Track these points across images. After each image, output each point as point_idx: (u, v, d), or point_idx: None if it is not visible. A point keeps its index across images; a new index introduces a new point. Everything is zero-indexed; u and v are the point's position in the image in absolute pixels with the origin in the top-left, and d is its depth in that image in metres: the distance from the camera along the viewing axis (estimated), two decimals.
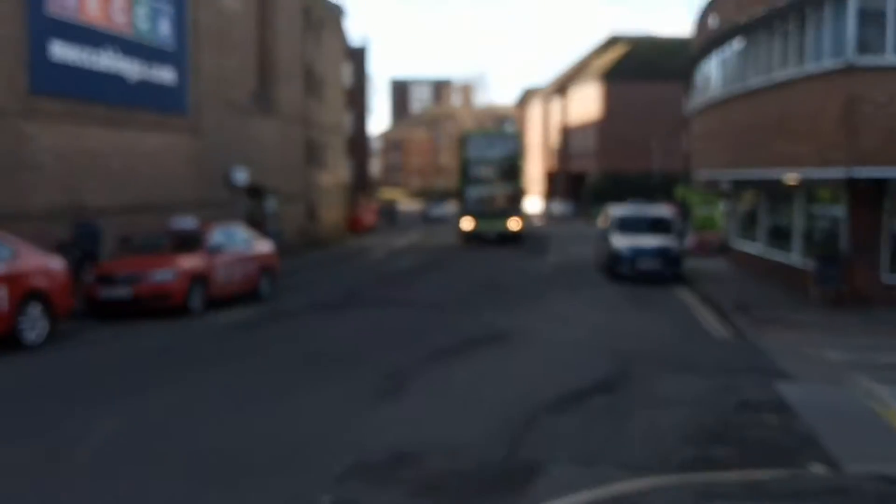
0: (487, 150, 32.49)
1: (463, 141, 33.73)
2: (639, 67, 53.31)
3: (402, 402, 8.43)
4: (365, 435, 7.16)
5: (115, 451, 6.72)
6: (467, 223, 31.82)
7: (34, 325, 11.16)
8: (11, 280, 10.85)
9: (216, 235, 15.80)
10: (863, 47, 14.45)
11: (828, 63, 15.08)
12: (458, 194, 33.77)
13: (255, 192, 26.14)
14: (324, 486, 5.88)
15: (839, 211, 16.06)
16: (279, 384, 9.18)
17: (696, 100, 24.91)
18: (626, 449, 6.89)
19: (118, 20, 18.96)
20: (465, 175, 32.37)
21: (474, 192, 31.87)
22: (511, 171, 32.31)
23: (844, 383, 9.48)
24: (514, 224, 31.73)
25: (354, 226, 41.17)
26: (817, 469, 6.43)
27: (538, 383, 9.24)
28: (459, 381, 9.41)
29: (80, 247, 15.19)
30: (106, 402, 8.36)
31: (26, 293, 11.03)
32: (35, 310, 11.19)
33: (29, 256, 11.42)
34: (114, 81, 18.81)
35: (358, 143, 54.55)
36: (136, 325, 13.18)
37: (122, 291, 13.67)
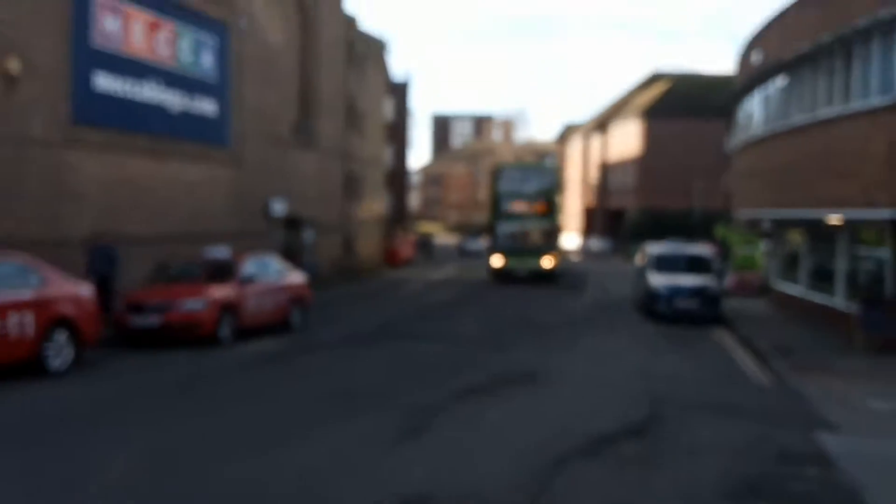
0: (521, 183, 31.00)
1: (496, 174, 32.10)
2: (680, 104, 52.97)
3: (425, 443, 8.19)
4: (382, 479, 6.92)
5: (126, 489, 6.56)
6: (497, 260, 30.33)
7: (59, 352, 11.15)
8: (38, 306, 10.88)
9: (248, 266, 15.81)
10: None
11: (875, 100, 14.69)
12: (490, 229, 32.14)
13: (292, 223, 26.27)
14: None
15: (885, 253, 15.54)
16: (301, 421, 9.00)
17: (738, 137, 24.53)
18: (657, 500, 6.57)
19: (162, 52, 19.30)
20: (497, 209, 30.86)
21: (506, 228, 30.43)
22: (546, 206, 30.84)
23: (890, 435, 9.02)
24: (547, 262, 30.13)
25: (391, 258, 41.16)
26: None
27: (568, 426, 8.94)
28: (487, 422, 9.14)
29: (96, 271, 15.19)
30: (123, 435, 8.25)
31: (53, 320, 11.06)
32: (61, 336, 11.19)
33: (58, 283, 11.46)
34: (156, 112, 19.10)
35: (397, 176, 54.91)
36: (163, 355, 13.14)
37: (151, 320, 13.67)
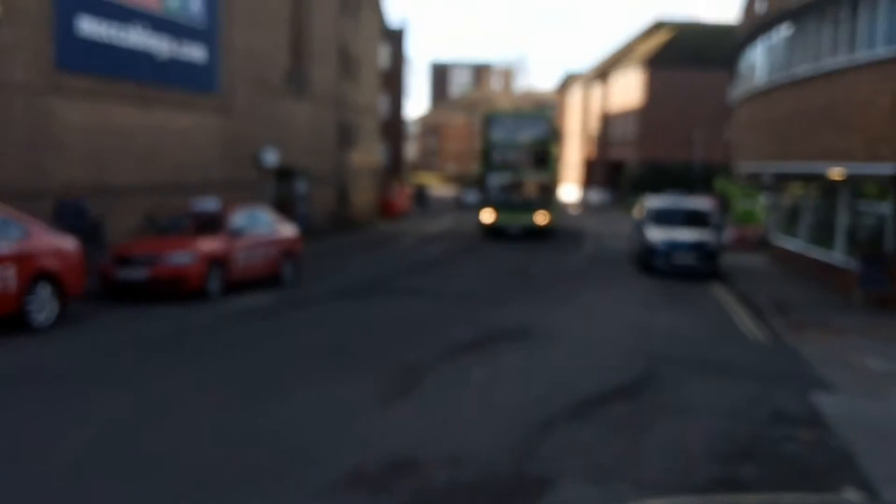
0: (514, 132, 29.33)
1: (486, 122, 30.13)
2: (683, 54, 52.08)
3: (411, 403, 8.01)
4: (365, 440, 6.74)
5: (97, 451, 6.36)
6: (488, 215, 28.66)
7: (43, 306, 10.89)
8: (20, 260, 10.57)
9: (238, 218, 15.50)
10: None
11: (881, 51, 14.26)
12: (481, 182, 30.61)
13: (284, 173, 25.87)
14: (314, 497, 5.49)
15: (886, 208, 15.25)
16: (285, 379, 8.80)
17: (741, 88, 24.04)
18: (645, 464, 6.40)
19: None
20: (487, 160, 29.07)
21: (497, 180, 28.60)
22: (540, 157, 29.23)
23: (886, 396, 8.86)
24: (541, 218, 28.46)
25: (387, 210, 40.79)
26: (851, 495, 5.88)
27: (558, 386, 8.77)
28: (475, 381, 8.95)
29: (63, 225, 14.42)
30: (102, 393, 8.06)
31: (35, 274, 10.76)
32: (44, 291, 10.91)
33: (41, 236, 11.16)
34: (142, 59, 18.57)
35: (394, 126, 54.19)
36: (150, 309, 12.91)
37: (138, 273, 13.41)
